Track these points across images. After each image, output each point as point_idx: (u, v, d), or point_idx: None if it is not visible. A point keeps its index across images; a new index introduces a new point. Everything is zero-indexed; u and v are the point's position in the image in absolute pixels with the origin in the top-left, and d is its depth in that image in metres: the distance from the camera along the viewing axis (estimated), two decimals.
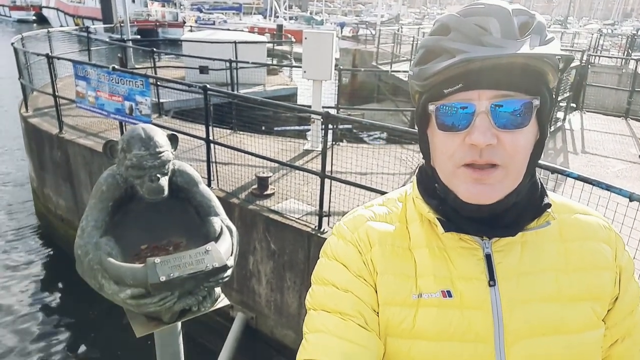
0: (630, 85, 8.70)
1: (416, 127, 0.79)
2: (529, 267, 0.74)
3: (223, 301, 2.59)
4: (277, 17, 39.07)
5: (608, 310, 0.76)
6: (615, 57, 13.99)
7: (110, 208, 2.46)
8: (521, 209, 0.73)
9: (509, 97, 0.66)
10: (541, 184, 0.78)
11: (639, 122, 8.08)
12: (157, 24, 34.46)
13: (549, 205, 0.75)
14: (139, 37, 22.72)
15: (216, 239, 2.50)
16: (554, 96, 0.71)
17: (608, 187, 2.42)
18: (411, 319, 0.73)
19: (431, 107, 0.71)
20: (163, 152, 2.47)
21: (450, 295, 0.73)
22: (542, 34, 0.66)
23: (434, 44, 0.70)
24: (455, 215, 0.73)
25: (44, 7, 47.10)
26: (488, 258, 0.74)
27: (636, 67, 8.95)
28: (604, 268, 0.76)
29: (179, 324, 2.59)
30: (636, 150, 6.55)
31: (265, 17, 42.70)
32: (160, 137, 2.51)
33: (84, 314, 5.28)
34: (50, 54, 6.49)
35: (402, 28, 18.86)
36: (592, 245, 0.77)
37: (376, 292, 0.77)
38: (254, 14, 49.97)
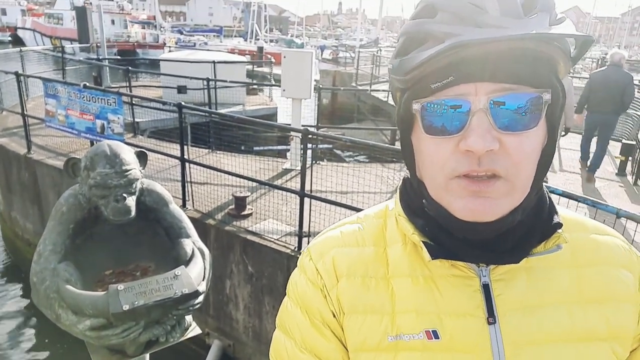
0: None
1: (397, 133, 0.67)
2: (536, 300, 0.60)
3: (194, 330, 2.41)
4: (258, 39, 39.39)
5: (631, 352, 0.64)
6: (586, 79, 14.37)
7: (71, 231, 2.28)
8: (526, 230, 0.60)
9: (512, 91, 0.53)
10: (549, 199, 0.65)
11: (613, 142, 8.23)
12: (137, 45, 34.35)
13: (559, 225, 0.61)
14: (118, 57, 22.62)
15: (187, 262, 2.34)
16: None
17: (594, 204, 2.36)
18: None
19: (416, 106, 0.57)
20: (130, 170, 2.32)
21: (436, 337, 0.59)
22: (551, 12, 0.53)
23: (417, 28, 0.57)
24: (446, 237, 0.61)
25: (19, 28, 46.48)
26: (486, 289, 0.61)
27: None
28: (624, 300, 0.62)
29: (146, 356, 2.39)
30: (613, 168, 6.63)
31: (245, 40, 42.94)
32: (127, 154, 2.37)
33: (51, 346, 4.94)
34: (19, 72, 6.26)
35: (380, 50, 19.15)
36: (610, 272, 0.63)
37: (344, 341, 0.65)
38: (235, 36, 50.31)
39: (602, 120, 5.85)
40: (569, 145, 7.33)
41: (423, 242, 0.61)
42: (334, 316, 0.66)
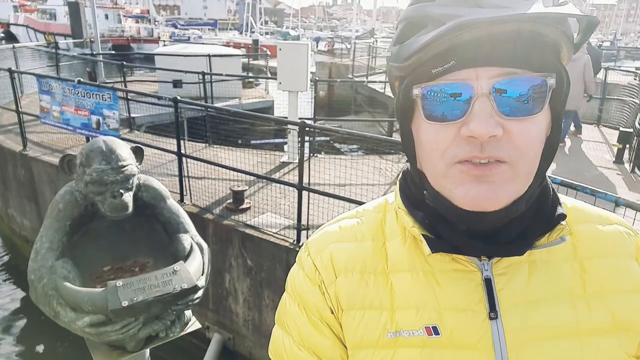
0: (600, 93, 8.89)
1: (397, 123, 0.64)
2: (539, 294, 0.58)
3: (194, 325, 2.40)
4: (253, 32, 39.14)
5: None
6: None
7: (67, 227, 2.26)
8: (530, 221, 0.58)
9: (515, 76, 0.51)
10: (553, 189, 0.63)
11: (610, 129, 8.24)
12: (132, 39, 34.12)
13: (563, 217, 0.59)
14: (113, 52, 22.43)
15: (185, 257, 2.33)
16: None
17: (593, 192, 2.36)
18: None
19: (416, 91, 0.55)
20: (126, 165, 2.30)
21: (437, 333, 0.58)
22: None
23: (416, 13, 0.55)
24: (447, 230, 0.59)
25: (12, 24, 46.02)
26: (488, 283, 0.58)
27: (605, 76, 9.18)
28: (632, 290, 0.60)
29: (147, 351, 2.39)
30: (610, 156, 6.63)
31: (241, 33, 42.65)
32: (123, 149, 2.34)
33: (51, 344, 4.94)
34: (12, 68, 6.20)
35: (376, 41, 19.03)
36: (615, 263, 0.61)
37: (343, 338, 0.64)
38: (230, 29, 49.95)
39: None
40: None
41: (423, 235, 0.60)
42: (332, 313, 0.64)
